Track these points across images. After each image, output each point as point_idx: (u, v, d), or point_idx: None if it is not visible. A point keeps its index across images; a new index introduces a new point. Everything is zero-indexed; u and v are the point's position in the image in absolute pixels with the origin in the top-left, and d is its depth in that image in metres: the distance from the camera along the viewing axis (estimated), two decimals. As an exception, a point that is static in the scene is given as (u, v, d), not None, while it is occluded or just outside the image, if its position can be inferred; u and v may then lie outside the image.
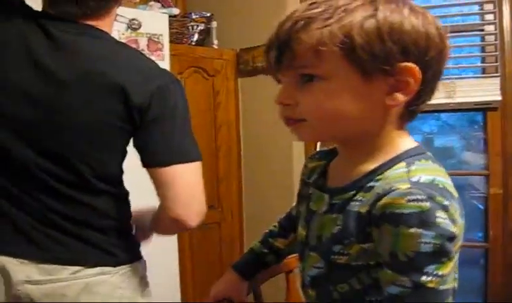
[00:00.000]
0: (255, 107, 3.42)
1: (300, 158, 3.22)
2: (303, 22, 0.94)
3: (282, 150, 3.29)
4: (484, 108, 2.90)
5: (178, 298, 2.85)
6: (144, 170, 1.43)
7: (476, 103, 2.85)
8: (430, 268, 0.87)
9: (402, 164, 0.96)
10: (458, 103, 2.85)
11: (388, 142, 1.00)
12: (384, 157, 0.99)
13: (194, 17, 3.34)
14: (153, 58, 2.64)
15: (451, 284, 0.90)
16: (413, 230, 0.86)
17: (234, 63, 3.45)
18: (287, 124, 1.05)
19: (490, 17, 2.90)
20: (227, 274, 1.52)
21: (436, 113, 3.17)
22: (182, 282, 2.96)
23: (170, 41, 2.86)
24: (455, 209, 0.89)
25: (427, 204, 0.85)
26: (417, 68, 0.92)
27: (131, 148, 1.45)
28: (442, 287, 0.88)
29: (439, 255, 0.87)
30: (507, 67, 2.80)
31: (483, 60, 2.96)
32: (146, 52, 2.65)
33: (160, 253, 2.73)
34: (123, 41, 2.55)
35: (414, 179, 0.90)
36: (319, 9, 0.93)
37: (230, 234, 3.49)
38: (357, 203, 0.97)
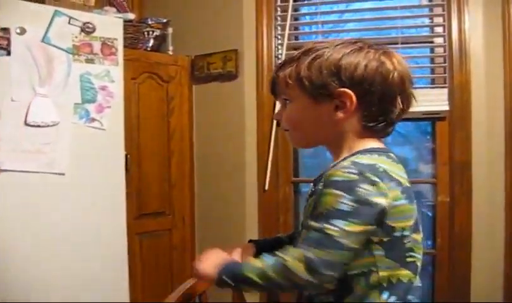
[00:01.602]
0: (208, 114, 3.43)
1: (252, 164, 3.24)
2: (282, 63, 1.35)
3: (235, 157, 3.31)
4: (433, 118, 2.98)
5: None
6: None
7: (425, 113, 2.92)
8: (338, 222, 1.10)
9: (358, 155, 1.23)
10: (407, 112, 2.91)
11: (351, 145, 1.27)
12: (346, 154, 1.26)
13: (150, 22, 3.33)
14: (106, 62, 2.66)
15: (356, 244, 1.12)
16: (337, 191, 1.12)
17: (188, 69, 3.45)
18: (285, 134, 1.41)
19: (439, 29, 2.99)
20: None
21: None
22: (132, 289, 2.93)
23: (125, 46, 2.84)
24: (388, 188, 1.14)
25: (355, 176, 1.12)
26: (349, 92, 1.21)
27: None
28: (341, 240, 1.10)
29: (351, 215, 1.10)
30: (455, 78, 2.89)
31: (432, 71, 3.05)
32: (100, 56, 2.63)
33: (110, 259, 2.72)
34: (77, 44, 2.55)
35: (355, 160, 1.17)
36: (293, 55, 1.31)
37: (181, 241, 3.47)
38: (320, 185, 1.20)
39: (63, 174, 2.51)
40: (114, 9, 3.11)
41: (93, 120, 2.61)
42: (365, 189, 1.11)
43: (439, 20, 2.98)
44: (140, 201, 3.21)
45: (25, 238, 2.40)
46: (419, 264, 1.24)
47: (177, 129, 3.42)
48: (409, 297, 1.20)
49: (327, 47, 1.25)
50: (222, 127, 3.36)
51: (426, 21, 3.12)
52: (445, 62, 2.93)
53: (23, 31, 2.37)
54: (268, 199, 3.20)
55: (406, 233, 1.18)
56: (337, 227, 1.10)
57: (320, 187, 1.18)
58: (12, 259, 2.35)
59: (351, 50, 1.24)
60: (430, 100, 2.90)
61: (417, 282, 1.24)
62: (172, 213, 3.43)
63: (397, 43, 2.94)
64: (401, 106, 1.26)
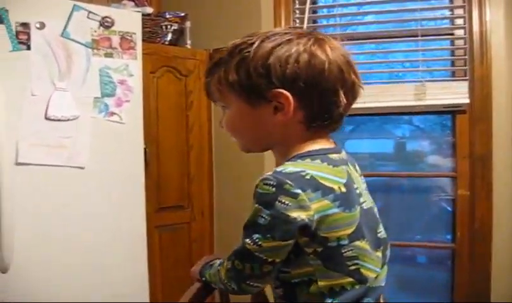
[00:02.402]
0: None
1: (271, 157, 3.22)
2: (211, 67, 1.25)
3: (254, 151, 3.29)
4: (453, 111, 2.96)
5: (147, 298, 2.83)
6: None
7: (445, 106, 2.90)
8: (255, 236, 1.10)
9: (286, 163, 1.16)
10: (428, 106, 2.90)
11: (295, 148, 1.20)
12: (289, 157, 1.19)
13: (168, 16, 3.33)
14: (125, 56, 2.66)
15: (275, 258, 1.11)
16: (257, 205, 1.09)
17: (207, 63, 3.45)
18: None
19: (460, 21, 2.96)
20: None
21: (408, 117, 3.22)
22: (151, 283, 2.94)
23: (143, 40, 2.84)
24: (310, 199, 1.07)
25: (272, 189, 1.06)
26: (285, 92, 1.13)
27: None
28: (257, 254, 1.10)
29: (267, 230, 1.08)
30: (476, 70, 2.86)
31: (452, 63, 3.02)
32: (118, 50, 2.64)
33: (129, 252, 2.73)
34: (96, 38, 2.56)
35: (278, 169, 1.10)
36: (221, 56, 1.22)
37: (200, 234, 3.48)
38: None
39: (83, 168, 2.52)
40: (132, 3, 3.13)
41: (113, 114, 2.62)
42: (283, 202, 1.05)
43: (460, 12, 2.95)
44: (158, 195, 3.22)
45: (45, 232, 2.41)
46: (366, 271, 1.16)
47: (196, 122, 3.43)
48: (363, 301, 1.16)
49: (253, 43, 1.16)
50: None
51: (447, 12, 3.09)
52: (465, 55, 2.91)
53: (42, 26, 2.38)
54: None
55: (344, 242, 1.11)
56: (254, 242, 1.10)
57: None
58: (31, 252, 2.36)
59: (279, 45, 1.14)
60: (450, 92, 2.88)
61: (375, 283, 1.19)
62: (191, 207, 3.44)
63: (417, 35, 2.92)
64: (345, 99, 1.17)
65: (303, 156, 1.16)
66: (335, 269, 1.12)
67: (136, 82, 2.70)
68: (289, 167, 1.10)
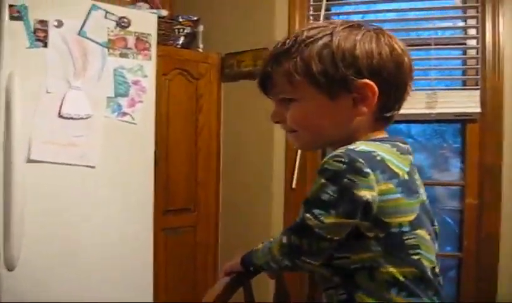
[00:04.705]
0: (236, 112, 3.44)
1: (280, 162, 3.24)
2: (275, 56, 1.19)
3: (262, 154, 3.31)
4: (464, 120, 2.96)
5: (150, 299, 2.83)
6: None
7: (456, 115, 2.91)
8: (317, 211, 1.07)
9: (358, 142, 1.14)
10: (439, 114, 2.91)
11: (361, 140, 1.16)
12: None
13: (181, 20, 3.36)
14: (140, 57, 2.68)
15: (334, 236, 1.08)
16: (323, 180, 1.07)
17: (218, 67, 3.47)
18: (287, 135, 1.29)
19: (473, 32, 2.98)
20: None
21: (406, 130, 3.23)
22: (155, 284, 2.94)
23: (157, 43, 2.86)
24: (378, 180, 1.06)
25: (343, 166, 1.05)
26: (372, 83, 1.12)
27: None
28: (317, 230, 1.07)
29: (331, 206, 1.06)
30: (488, 80, 2.87)
31: (464, 73, 3.03)
32: (133, 51, 2.65)
33: (136, 253, 2.73)
34: (112, 38, 2.57)
35: (351, 147, 1.09)
36: (287, 45, 1.17)
37: (205, 238, 3.48)
38: None
39: (94, 167, 2.53)
40: (147, 5, 3.14)
41: (125, 114, 2.63)
42: (351, 179, 1.04)
43: (473, 22, 2.97)
44: (166, 197, 3.22)
45: (54, 229, 2.42)
46: (426, 262, 1.13)
47: (206, 126, 3.44)
48: (422, 295, 1.12)
49: (328, 34, 1.15)
50: (250, 125, 3.36)
51: (460, 22, 3.10)
52: (477, 64, 2.92)
53: (60, 24, 2.40)
54: (296, 197, 3.19)
55: (406, 229, 1.10)
56: (315, 217, 1.07)
57: None
58: (39, 248, 2.37)
59: (360, 36, 1.14)
60: (461, 101, 2.89)
61: (434, 281, 1.15)
62: (197, 210, 3.44)
63: (430, 44, 2.93)
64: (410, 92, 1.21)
65: (373, 140, 1.16)
66: (397, 257, 1.10)
67: (149, 83, 2.71)
68: (361, 146, 1.10)
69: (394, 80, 1.16)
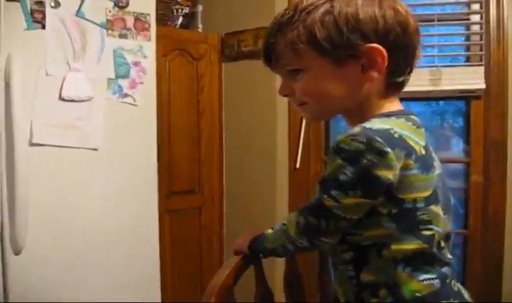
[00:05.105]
0: (238, 92, 3.41)
1: (283, 142, 3.22)
2: (277, 28, 1.17)
3: (265, 135, 3.29)
4: (468, 96, 2.94)
5: (157, 281, 2.82)
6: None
7: (461, 91, 2.88)
8: (334, 192, 1.06)
9: (373, 119, 1.13)
10: (443, 91, 2.88)
11: (374, 108, 1.17)
12: (368, 118, 1.14)
13: (179, 0, 3.32)
14: (139, 38, 2.64)
15: (353, 215, 1.08)
16: (340, 161, 1.05)
17: (218, 47, 3.43)
18: (297, 108, 1.27)
19: (476, 7, 2.94)
20: None
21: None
22: (162, 267, 2.93)
23: (156, 23, 2.82)
24: (397, 157, 1.04)
25: (361, 146, 1.02)
26: (380, 47, 1.10)
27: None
28: (335, 210, 1.07)
29: (350, 187, 1.04)
30: (492, 56, 2.84)
31: (468, 49, 3.00)
32: (133, 31, 2.62)
33: (141, 236, 2.72)
34: (110, 19, 2.53)
35: (367, 125, 1.07)
36: (288, 15, 1.15)
37: (210, 219, 3.48)
38: None
39: (96, 149, 2.51)
40: (146, -15, 3.10)
41: (126, 95, 2.60)
42: (371, 160, 1.02)
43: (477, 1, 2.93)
44: (169, 179, 3.21)
45: (57, 213, 2.40)
46: (438, 237, 1.13)
47: (207, 107, 3.42)
48: (429, 269, 1.12)
49: (329, 0, 1.13)
50: (253, 106, 3.34)
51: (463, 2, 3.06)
52: (481, 40, 2.88)
53: (57, 5, 2.36)
54: (299, 178, 3.17)
55: (420, 205, 1.08)
56: (333, 198, 1.06)
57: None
58: (46, 232, 2.36)
59: (362, 0, 1.12)
60: (466, 78, 2.86)
61: (440, 255, 1.14)
62: (201, 192, 3.43)
63: (433, 20, 2.90)
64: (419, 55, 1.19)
65: (388, 115, 1.14)
66: (409, 233, 1.09)
67: (150, 64, 2.68)
68: (378, 124, 1.08)
69: (401, 43, 1.13)
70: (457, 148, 3.17)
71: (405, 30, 1.13)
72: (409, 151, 1.07)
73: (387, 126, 1.07)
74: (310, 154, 3.19)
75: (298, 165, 3.17)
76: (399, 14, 1.13)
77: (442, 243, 1.16)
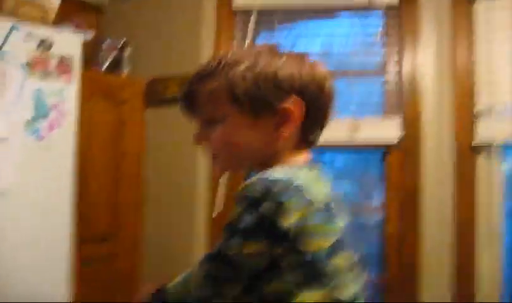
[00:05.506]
0: (161, 138, 3.41)
1: (204, 189, 3.23)
2: (199, 77, 1.18)
3: (187, 181, 3.29)
4: (385, 146, 3.05)
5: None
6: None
7: (377, 142, 3.00)
8: (234, 240, 1.05)
9: (275, 169, 1.13)
10: (361, 140, 2.99)
11: (283, 161, 1.17)
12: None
13: (107, 43, 3.32)
14: (61, 80, 2.61)
15: (254, 265, 1.05)
16: (240, 208, 1.04)
17: (143, 92, 3.42)
18: (209, 158, 1.27)
19: (392, 62, 3.10)
20: None
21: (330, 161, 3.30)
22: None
23: (82, 65, 2.80)
24: (295, 207, 1.03)
25: (258, 195, 1.02)
26: (293, 108, 1.13)
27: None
28: (236, 258, 1.06)
29: (249, 235, 1.03)
30: (406, 108, 3.00)
31: (384, 101, 3.12)
32: (55, 74, 2.59)
33: (54, 282, 2.64)
34: (32, 60, 2.50)
35: (265, 175, 1.07)
36: (212, 66, 1.16)
37: (129, 267, 3.39)
38: None
39: (6, 191, 2.44)
40: (72, 27, 3.08)
41: (43, 138, 2.56)
42: (268, 208, 1.01)
43: (393, 52, 3.10)
44: (87, 224, 3.13)
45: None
46: (344, 289, 1.10)
47: (129, 152, 3.38)
48: None
49: (253, 57, 1.16)
50: (174, 152, 3.34)
51: (380, 57, 3.20)
52: (397, 93, 3.04)
53: (-23, 45, 2.33)
54: (219, 224, 3.17)
55: (322, 256, 1.06)
56: (234, 246, 1.05)
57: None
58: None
59: (284, 59, 1.16)
60: (383, 128, 3.00)
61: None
62: (118, 237, 3.36)
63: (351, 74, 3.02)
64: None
65: (291, 166, 1.15)
66: (312, 286, 1.06)
67: (70, 107, 2.65)
68: (277, 174, 1.08)
69: (316, 102, 1.16)
70: (379, 196, 3.24)
71: (321, 91, 1.17)
72: (308, 201, 1.06)
73: (286, 176, 1.07)
74: (231, 201, 3.19)
75: (214, 214, 3.18)
76: (318, 76, 1.17)
77: (359, 296, 1.15)
